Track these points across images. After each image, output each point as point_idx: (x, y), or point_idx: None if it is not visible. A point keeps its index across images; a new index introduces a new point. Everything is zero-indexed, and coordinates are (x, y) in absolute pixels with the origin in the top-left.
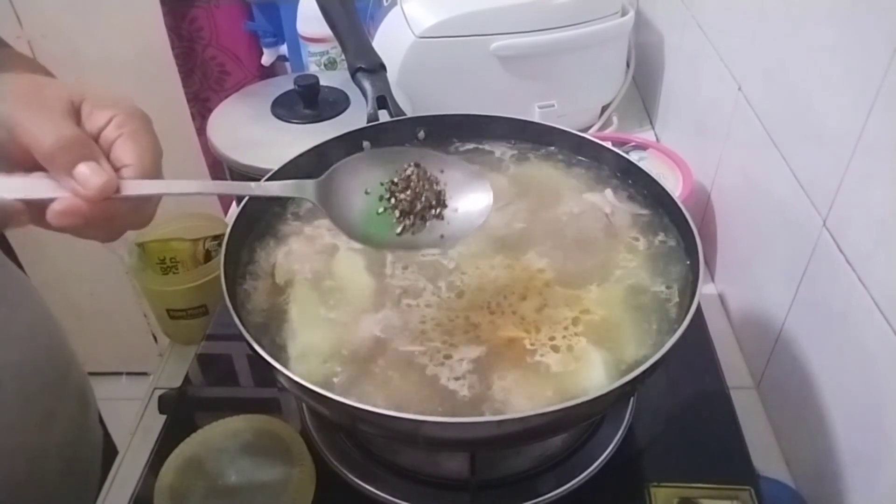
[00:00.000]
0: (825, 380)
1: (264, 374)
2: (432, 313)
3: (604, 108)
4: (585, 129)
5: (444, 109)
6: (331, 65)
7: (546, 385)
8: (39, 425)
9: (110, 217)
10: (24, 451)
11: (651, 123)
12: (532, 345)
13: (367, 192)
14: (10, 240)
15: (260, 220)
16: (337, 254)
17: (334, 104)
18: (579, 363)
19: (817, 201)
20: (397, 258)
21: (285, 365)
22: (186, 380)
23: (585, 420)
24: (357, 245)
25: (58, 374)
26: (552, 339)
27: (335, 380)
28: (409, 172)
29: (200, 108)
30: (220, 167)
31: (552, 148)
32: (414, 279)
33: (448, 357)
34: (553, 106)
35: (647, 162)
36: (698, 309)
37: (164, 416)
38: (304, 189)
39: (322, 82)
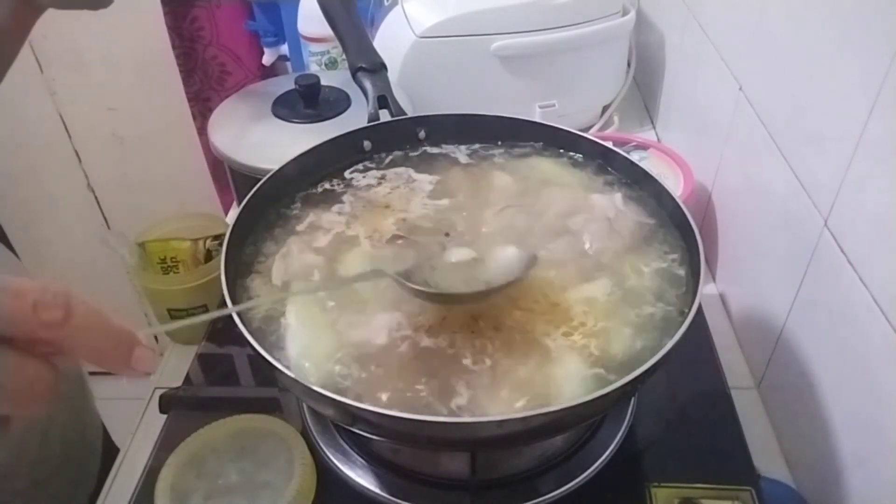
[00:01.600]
0: (826, 380)
1: (264, 373)
2: (434, 309)
3: (605, 108)
4: (586, 129)
5: (445, 109)
6: (331, 64)
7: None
8: None
9: None
10: (26, 430)
11: (652, 123)
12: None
13: None
14: (10, 239)
15: (261, 221)
16: (340, 254)
17: (335, 104)
18: (574, 362)
19: (818, 201)
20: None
21: (285, 365)
22: (187, 379)
23: (586, 420)
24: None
25: None
26: (549, 337)
27: (336, 379)
28: None
29: (201, 107)
30: (220, 167)
31: (553, 147)
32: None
33: (455, 355)
34: (554, 106)
35: (647, 162)
36: (699, 309)
37: (165, 416)
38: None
39: (323, 82)
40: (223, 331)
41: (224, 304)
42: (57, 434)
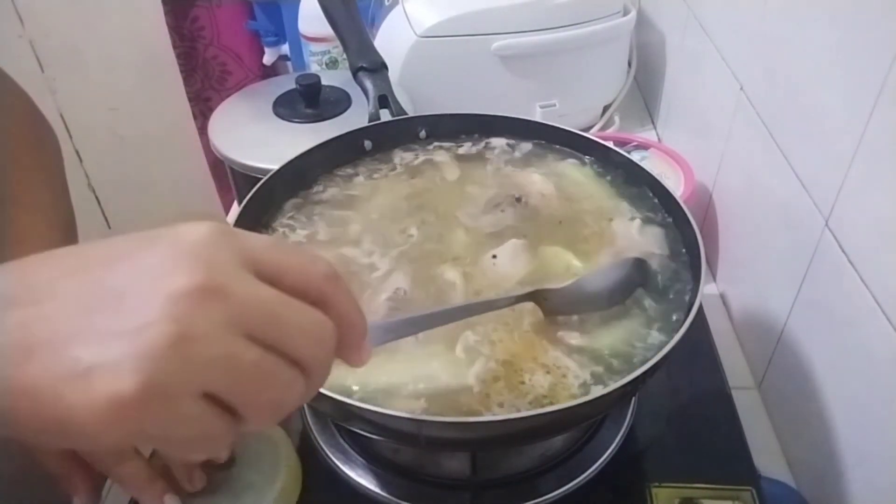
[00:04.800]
0: (827, 380)
1: None
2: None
3: (605, 108)
4: (587, 129)
5: (446, 109)
6: (332, 64)
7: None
8: None
9: None
10: None
11: (653, 123)
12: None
13: None
14: None
15: (260, 221)
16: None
17: (336, 103)
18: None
19: (819, 201)
20: (405, 258)
21: None
22: None
23: (587, 420)
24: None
25: None
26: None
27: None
28: None
29: (202, 107)
30: (221, 167)
31: (553, 147)
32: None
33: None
34: (555, 105)
35: (648, 161)
36: (700, 309)
37: None
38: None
39: (323, 82)
40: None
41: None
42: None
